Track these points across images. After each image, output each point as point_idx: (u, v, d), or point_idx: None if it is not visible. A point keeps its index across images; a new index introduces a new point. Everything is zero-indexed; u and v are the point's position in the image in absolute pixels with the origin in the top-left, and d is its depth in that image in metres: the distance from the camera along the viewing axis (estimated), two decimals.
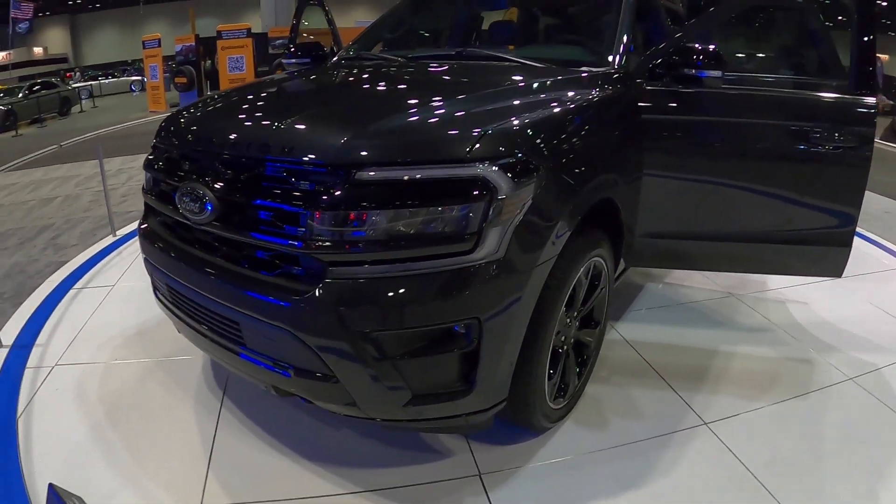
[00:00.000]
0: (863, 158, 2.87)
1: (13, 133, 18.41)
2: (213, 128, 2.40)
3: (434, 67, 3.12)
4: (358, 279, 1.91)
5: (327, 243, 1.89)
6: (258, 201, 2.03)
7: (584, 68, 2.83)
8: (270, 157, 2.04)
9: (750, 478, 2.42)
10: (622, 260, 3.01)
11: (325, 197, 1.90)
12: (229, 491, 2.39)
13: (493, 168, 1.94)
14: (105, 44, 46.22)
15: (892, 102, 20.38)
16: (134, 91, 32.60)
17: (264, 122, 2.32)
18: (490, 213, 1.91)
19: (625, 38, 2.96)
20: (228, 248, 2.19)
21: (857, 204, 2.98)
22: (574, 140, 2.36)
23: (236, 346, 2.26)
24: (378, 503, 2.32)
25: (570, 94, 2.56)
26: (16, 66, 33.15)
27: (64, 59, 44.29)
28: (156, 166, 2.51)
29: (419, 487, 2.38)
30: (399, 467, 2.48)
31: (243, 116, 2.51)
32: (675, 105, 2.85)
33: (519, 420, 2.53)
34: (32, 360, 3.42)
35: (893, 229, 5.89)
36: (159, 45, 20.69)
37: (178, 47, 20.53)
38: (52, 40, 44.60)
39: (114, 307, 4.10)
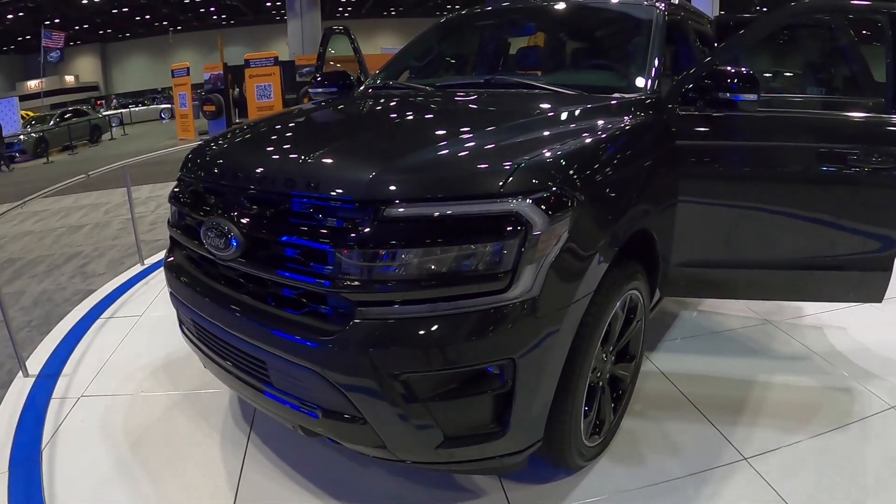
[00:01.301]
0: None
1: (45, 160, 18.82)
2: (237, 161, 2.36)
3: (463, 96, 3.09)
4: (388, 319, 1.87)
5: (356, 282, 1.85)
6: (284, 238, 2.00)
7: (615, 94, 2.79)
8: (296, 193, 2.00)
9: None
10: (657, 290, 2.95)
11: (353, 234, 1.86)
12: None
13: (528, 202, 1.88)
14: (135, 72, 47.15)
15: None
16: (164, 119, 33.12)
17: (290, 156, 2.29)
18: (524, 249, 1.85)
19: (656, 62, 2.92)
20: (254, 284, 2.16)
21: None
22: (609, 170, 2.30)
23: (262, 385, 2.22)
24: None
25: (603, 122, 2.51)
26: (47, 94, 33.79)
27: (95, 88, 45.25)
28: (181, 199, 2.49)
29: None
30: None
31: (268, 149, 2.47)
32: (708, 130, 2.78)
33: (553, 459, 2.45)
34: (59, 390, 3.43)
35: None
36: (188, 74, 21.02)
37: (207, 76, 20.83)
38: (84, 69, 45.62)
39: (141, 337, 4.10)
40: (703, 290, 3.33)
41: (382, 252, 1.83)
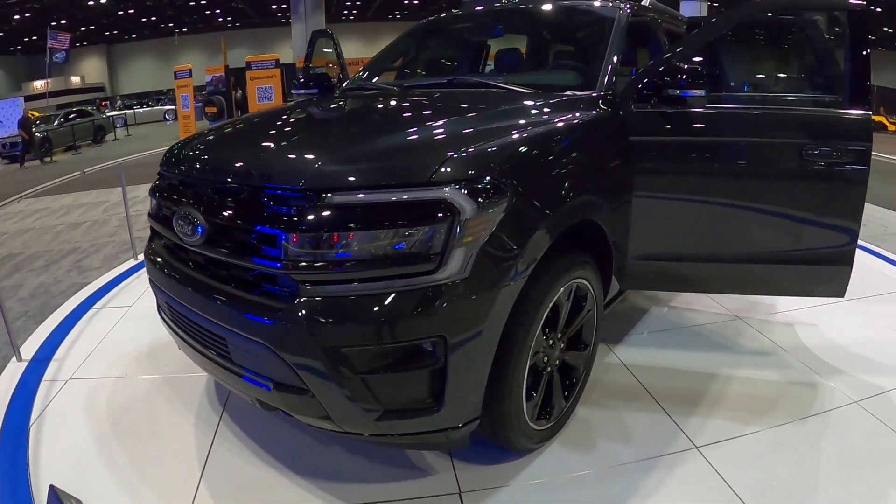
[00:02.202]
0: (860, 173, 2.83)
1: (48, 159, 18.96)
2: (204, 156, 2.54)
3: (421, 95, 3.23)
4: (328, 297, 2.00)
5: (299, 264, 1.99)
6: (240, 224, 2.14)
7: (567, 92, 2.89)
8: (251, 183, 2.15)
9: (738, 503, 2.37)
10: (617, 283, 3.02)
11: (297, 220, 2.00)
12: (218, 500, 2.48)
13: (457, 190, 2.00)
14: (140, 73, 47.13)
15: None
16: (167, 120, 33.24)
17: (249, 151, 2.45)
18: (454, 234, 1.96)
19: (614, 59, 3.00)
20: (217, 268, 2.30)
21: (857, 220, 2.91)
22: (548, 163, 2.40)
23: (224, 361, 2.35)
24: None
25: (548, 117, 2.61)
26: (53, 94, 33.81)
27: (100, 89, 45.25)
28: (158, 193, 2.64)
29: (399, 503, 2.43)
30: (382, 483, 2.53)
31: (233, 145, 2.66)
32: (662, 126, 2.85)
33: (497, 440, 2.53)
34: (49, 373, 3.57)
35: None
36: (190, 76, 21.06)
37: (208, 77, 20.90)
38: (89, 70, 45.62)
39: (130, 326, 4.24)
40: (663, 284, 3.36)
41: (323, 236, 1.96)
